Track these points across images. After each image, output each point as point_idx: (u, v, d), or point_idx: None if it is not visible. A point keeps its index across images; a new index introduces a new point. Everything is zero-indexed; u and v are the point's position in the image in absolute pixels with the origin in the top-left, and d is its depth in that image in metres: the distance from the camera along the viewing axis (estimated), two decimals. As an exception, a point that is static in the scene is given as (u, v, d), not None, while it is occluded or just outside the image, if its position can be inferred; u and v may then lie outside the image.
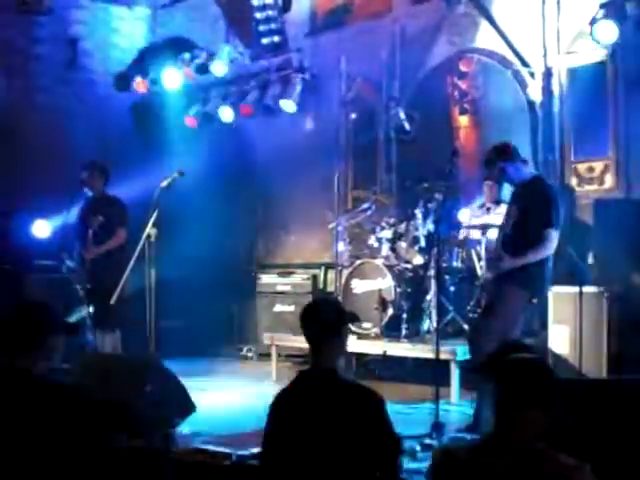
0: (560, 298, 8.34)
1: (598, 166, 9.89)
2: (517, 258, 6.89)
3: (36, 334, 4.15)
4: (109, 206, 9.87)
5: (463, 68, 11.11)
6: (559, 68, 10.21)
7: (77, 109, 12.93)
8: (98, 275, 9.53)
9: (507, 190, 7.72)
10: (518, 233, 6.97)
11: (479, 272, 9.48)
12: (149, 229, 8.48)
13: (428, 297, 9.57)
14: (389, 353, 9.17)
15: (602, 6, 9.28)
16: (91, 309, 9.47)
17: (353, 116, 11.93)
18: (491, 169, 7.33)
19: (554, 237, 6.84)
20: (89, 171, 9.95)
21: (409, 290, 9.82)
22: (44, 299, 10.56)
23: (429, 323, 9.49)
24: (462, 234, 10.02)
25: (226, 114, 12.88)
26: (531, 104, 10.50)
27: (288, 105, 12.24)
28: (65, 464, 3.81)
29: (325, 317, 4.49)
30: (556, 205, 6.94)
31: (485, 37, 10.86)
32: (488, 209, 9.91)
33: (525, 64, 10.50)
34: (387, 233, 10.12)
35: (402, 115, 11.27)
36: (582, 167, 10.03)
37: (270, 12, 12.18)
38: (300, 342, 10.37)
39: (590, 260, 9.14)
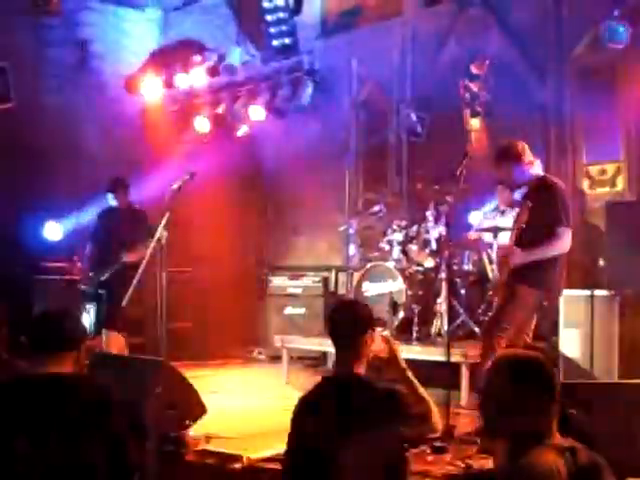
0: (572, 301, 8.30)
1: (610, 169, 9.86)
2: (527, 253, 6.85)
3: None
4: (138, 218, 10.01)
5: (474, 70, 11.05)
6: (571, 70, 10.18)
7: (87, 111, 12.94)
8: (121, 277, 9.55)
9: (519, 193, 7.67)
10: (530, 233, 6.92)
11: (490, 275, 9.45)
12: (160, 231, 8.48)
13: (439, 300, 9.55)
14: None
15: (614, 7, 9.25)
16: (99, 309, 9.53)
17: (364, 118, 11.92)
18: (498, 170, 7.30)
19: (566, 235, 6.78)
20: (116, 189, 10.10)
21: (420, 293, 9.80)
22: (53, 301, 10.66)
23: (440, 326, 9.46)
24: (472, 235, 9.96)
25: (237, 116, 12.88)
26: (542, 106, 10.47)
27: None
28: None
29: (354, 318, 4.48)
30: (564, 203, 6.90)
31: (496, 39, 10.83)
32: (502, 212, 9.86)
33: (536, 66, 10.46)
34: (398, 236, 10.10)
35: (413, 117, 11.26)
36: (594, 169, 10.00)
37: (281, 14, 12.19)
38: (310, 344, 10.40)
39: (601, 263, 9.10)
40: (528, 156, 7.11)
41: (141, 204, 10.31)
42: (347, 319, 4.46)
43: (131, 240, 9.81)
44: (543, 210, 6.81)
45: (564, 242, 6.81)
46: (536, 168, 7.19)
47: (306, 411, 4.35)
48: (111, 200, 10.19)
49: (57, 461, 3.68)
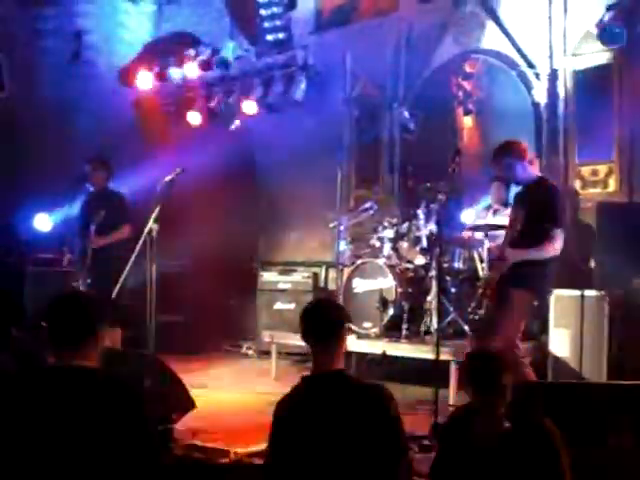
0: (562, 301, 8.32)
1: (602, 169, 9.86)
2: (519, 252, 6.86)
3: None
4: (112, 201, 9.80)
5: (468, 69, 11.07)
6: (565, 70, 10.19)
7: (81, 103, 12.92)
8: (99, 270, 9.49)
9: (514, 191, 7.68)
10: (524, 234, 6.93)
11: (481, 273, 9.44)
12: (151, 224, 8.47)
13: (429, 298, 9.54)
14: (389, 353, 9.14)
15: (609, 8, 9.26)
16: None
17: (357, 115, 11.92)
18: (498, 165, 7.29)
19: (559, 237, 6.80)
20: (92, 166, 9.88)
21: (410, 290, 9.79)
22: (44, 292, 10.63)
23: (429, 324, 9.46)
24: (466, 234, 9.95)
25: (230, 111, 12.86)
26: (536, 106, 10.49)
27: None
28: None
29: (333, 316, 4.48)
30: (560, 205, 6.91)
31: (491, 38, 10.84)
32: (495, 211, 9.88)
33: (531, 65, 10.48)
34: (389, 233, 10.08)
35: (406, 114, 11.26)
36: (586, 170, 10.00)
37: (275, 9, 12.17)
38: (299, 340, 10.37)
39: (592, 263, 9.11)
40: (530, 155, 7.14)
41: (132, 197, 10.25)
42: (321, 320, 4.46)
43: (102, 225, 9.55)
44: (539, 211, 6.83)
45: (556, 245, 6.82)
46: (535, 169, 7.20)
47: (288, 412, 4.35)
48: (89, 174, 9.94)
49: (89, 456, 3.66)
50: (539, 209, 6.87)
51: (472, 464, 4.17)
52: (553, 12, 10.23)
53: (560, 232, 6.80)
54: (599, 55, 9.82)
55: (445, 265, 9.60)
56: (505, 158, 7.13)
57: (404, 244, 10.05)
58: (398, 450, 4.23)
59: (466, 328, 9.17)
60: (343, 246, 10.55)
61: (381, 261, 9.95)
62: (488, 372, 4.33)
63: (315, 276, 12.03)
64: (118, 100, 13.34)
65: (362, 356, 9.73)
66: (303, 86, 12.29)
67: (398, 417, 4.28)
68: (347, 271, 10.35)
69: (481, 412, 4.29)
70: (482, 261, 9.44)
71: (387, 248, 10.07)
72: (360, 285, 10.06)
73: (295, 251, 13.10)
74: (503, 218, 9.07)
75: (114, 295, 8.64)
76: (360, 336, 9.58)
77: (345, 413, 4.16)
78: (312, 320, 4.49)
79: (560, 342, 8.33)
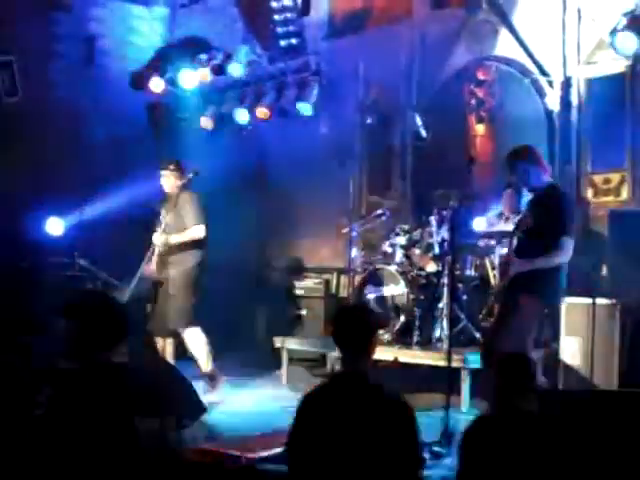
0: (573, 309, 8.29)
1: (615, 178, 9.83)
2: (527, 262, 6.84)
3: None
4: (180, 203, 9.39)
5: (481, 76, 11.06)
6: (578, 78, 10.16)
7: (93, 107, 12.94)
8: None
9: (525, 199, 7.65)
10: (532, 240, 6.92)
11: (492, 281, 9.44)
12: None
13: (441, 305, 9.52)
14: (400, 360, 9.13)
15: (623, 16, 9.24)
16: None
17: (369, 121, 11.90)
18: (513, 168, 7.25)
19: (569, 245, 6.78)
20: (161, 171, 9.46)
21: (422, 297, 9.77)
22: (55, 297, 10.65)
23: (441, 331, 9.44)
24: (482, 242, 9.92)
25: (242, 116, 12.87)
26: (549, 114, 10.46)
27: (305, 108, 12.22)
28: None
29: (368, 321, 4.57)
30: (571, 213, 6.90)
31: (504, 45, 10.82)
32: (507, 218, 9.85)
33: (544, 73, 10.46)
34: (401, 239, 10.08)
35: (419, 121, 11.24)
36: (598, 178, 9.98)
37: (289, 14, 12.17)
38: (310, 346, 10.39)
39: (604, 272, 9.10)
40: (543, 162, 7.13)
41: (144, 202, 10.20)
42: (356, 324, 4.51)
43: (168, 227, 9.32)
44: (549, 218, 6.81)
45: (566, 252, 6.80)
46: (548, 175, 7.18)
47: (312, 408, 4.38)
48: (161, 179, 9.48)
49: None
50: (549, 217, 6.84)
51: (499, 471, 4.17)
52: (567, 20, 10.21)
53: (569, 241, 6.78)
54: (613, 63, 9.79)
55: (457, 272, 9.58)
56: (521, 162, 7.10)
57: (416, 251, 10.05)
58: (412, 458, 4.25)
59: (478, 335, 9.16)
60: (355, 252, 10.55)
61: (393, 268, 9.94)
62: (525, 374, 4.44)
63: (326, 282, 12.02)
64: (131, 104, 13.36)
65: (374, 362, 9.69)
66: (315, 92, 12.29)
67: (413, 424, 4.29)
68: (359, 277, 10.35)
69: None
70: (494, 268, 9.44)
71: (399, 255, 10.07)
72: (372, 292, 10.06)
73: (306, 257, 13.08)
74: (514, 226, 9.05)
75: (126, 297, 8.65)
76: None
77: (358, 414, 4.22)
78: (341, 325, 4.59)
79: (571, 350, 8.30)
